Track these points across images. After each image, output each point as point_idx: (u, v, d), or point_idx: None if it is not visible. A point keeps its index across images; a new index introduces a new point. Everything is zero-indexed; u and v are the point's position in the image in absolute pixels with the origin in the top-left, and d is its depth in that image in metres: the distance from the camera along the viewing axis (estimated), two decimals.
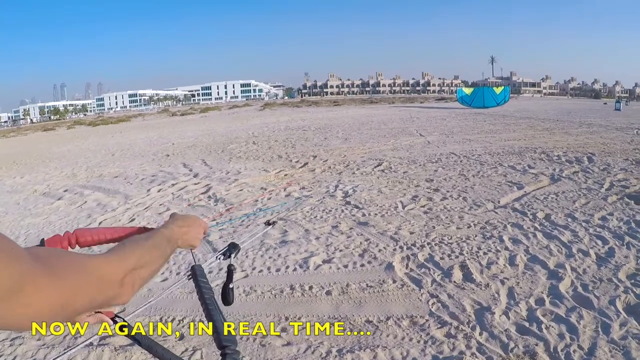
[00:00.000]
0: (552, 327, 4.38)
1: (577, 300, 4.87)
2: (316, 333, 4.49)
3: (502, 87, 54.86)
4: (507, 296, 5.06)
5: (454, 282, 5.45)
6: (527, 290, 5.17)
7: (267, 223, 2.59)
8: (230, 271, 1.64)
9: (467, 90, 55.13)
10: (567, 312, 4.63)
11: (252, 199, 9.87)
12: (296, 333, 4.52)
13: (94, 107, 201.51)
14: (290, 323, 4.71)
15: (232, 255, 1.71)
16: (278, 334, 4.52)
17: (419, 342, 4.25)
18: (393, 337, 4.34)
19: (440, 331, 4.41)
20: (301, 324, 4.68)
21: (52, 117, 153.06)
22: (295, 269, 6.08)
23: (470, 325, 4.47)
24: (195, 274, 1.49)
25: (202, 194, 10.75)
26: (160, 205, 9.94)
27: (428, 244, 6.71)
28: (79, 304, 0.87)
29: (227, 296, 1.57)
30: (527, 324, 4.45)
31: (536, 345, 4.09)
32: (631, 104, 61.23)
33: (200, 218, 1.49)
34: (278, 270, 6.08)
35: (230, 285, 1.57)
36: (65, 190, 12.23)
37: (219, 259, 1.70)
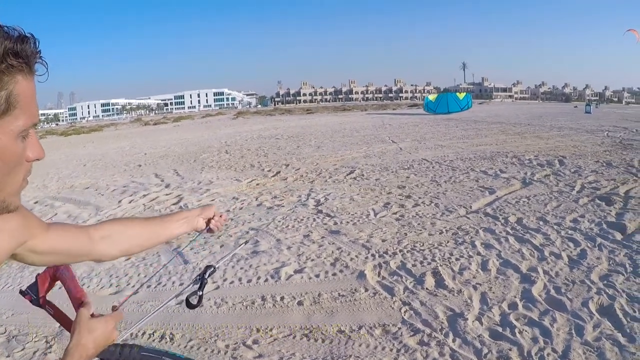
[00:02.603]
0: (526, 331, 4.36)
1: (550, 303, 4.86)
2: (288, 344, 4.42)
3: (465, 93, 56.02)
4: (480, 301, 5.03)
5: (427, 289, 5.41)
6: (500, 295, 5.15)
7: (245, 242, 2.53)
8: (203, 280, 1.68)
9: (432, 97, 55.75)
10: (540, 316, 4.62)
11: (224, 209, 9.76)
12: (268, 345, 4.44)
13: (66, 116, 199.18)
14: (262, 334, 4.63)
15: (207, 276, 1.70)
16: (249, 345, 4.44)
17: (391, 350, 4.19)
18: (365, 347, 4.28)
19: (413, 339, 4.35)
20: (273, 335, 4.61)
21: None
22: (266, 280, 5.99)
23: (443, 332, 4.43)
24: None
25: (173, 204, 10.61)
26: (132, 216, 9.76)
27: (400, 251, 6.66)
28: None
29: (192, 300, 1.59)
30: (500, 329, 4.42)
31: (510, 350, 4.06)
32: (601, 107, 62.02)
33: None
34: (249, 281, 5.98)
35: (200, 293, 1.61)
36: (35, 202, 11.97)
37: (198, 283, 1.68)
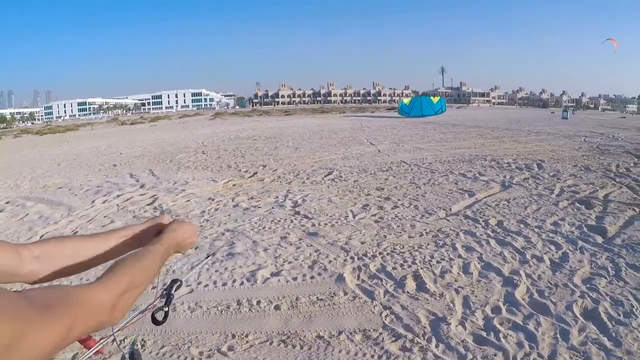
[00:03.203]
0: (510, 335, 4.26)
1: (534, 307, 4.79)
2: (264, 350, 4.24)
3: (439, 97, 57.38)
4: (463, 305, 4.91)
5: (408, 292, 5.27)
6: (483, 298, 5.04)
7: (209, 255, 2.40)
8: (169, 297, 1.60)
9: (407, 101, 56.34)
10: (524, 320, 4.53)
11: (199, 210, 9.56)
12: (244, 351, 4.25)
13: (42, 115, 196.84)
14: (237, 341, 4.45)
15: (173, 290, 1.62)
16: (225, 352, 4.25)
17: (372, 357, 4.03)
18: (346, 353, 4.11)
19: (395, 345, 4.20)
20: (249, 341, 4.42)
21: None
22: (242, 283, 5.79)
23: (426, 337, 4.29)
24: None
25: (147, 205, 10.37)
26: (105, 217, 9.52)
27: (380, 253, 6.52)
28: (73, 336, 0.91)
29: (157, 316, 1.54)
30: (484, 334, 4.31)
31: (495, 355, 3.96)
32: (577, 113, 63.08)
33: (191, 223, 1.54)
34: (224, 284, 5.78)
35: (165, 309, 1.55)
36: (7, 202, 11.67)
37: (164, 298, 1.60)
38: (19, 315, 0.78)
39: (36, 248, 1.34)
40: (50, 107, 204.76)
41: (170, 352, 4.31)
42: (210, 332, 4.64)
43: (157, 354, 4.30)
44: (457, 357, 3.96)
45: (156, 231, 1.58)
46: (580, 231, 7.14)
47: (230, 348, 4.32)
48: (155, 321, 1.51)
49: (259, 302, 5.22)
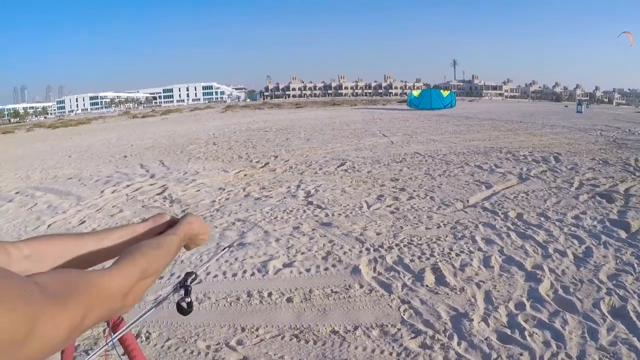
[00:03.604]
0: (536, 334, 4.02)
1: (560, 304, 4.55)
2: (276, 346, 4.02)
3: (449, 91, 56.81)
4: (485, 301, 4.68)
5: (427, 286, 5.04)
6: (505, 293, 4.81)
7: (225, 247, 2.21)
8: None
9: (416, 93, 55.98)
10: (550, 317, 4.29)
11: (209, 199, 9.37)
12: (254, 346, 4.03)
13: (54, 109, 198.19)
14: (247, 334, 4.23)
15: (189, 283, 1.51)
16: (233, 347, 4.03)
17: (391, 354, 3.80)
18: (362, 349, 3.89)
19: (415, 341, 3.97)
20: (259, 335, 4.20)
21: (11, 120, 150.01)
22: (253, 274, 5.59)
23: (447, 334, 4.05)
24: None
25: (157, 194, 10.22)
26: (113, 206, 9.38)
27: (396, 245, 6.31)
28: (87, 324, 0.84)
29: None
30: (508, 331, 4.07)
31: (521, 355, 3.72)
32: (592, 107, 62.21)
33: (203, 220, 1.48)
34: (234, 275, 5.58)
35: (188, 299, 1.45)
36: (16, 193, 11.61)
37: (177, 291, 1.50)
38: (32, 302, 0.70)
39: (27, 246, 1.24)
40: (63, 102, 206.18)
41: (175, 345, 4.10)
42: (218, 325, 4.44)
43: (162, 346, 4.10)
44: (480, 356, 3.73)
45: (158, 231, 1.49)
46: (602, 225, 6.87)
47: (240, 342, 4.12)
48: (181, 310, 1.44)
49: (270, 294, 5.02)
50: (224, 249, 2.07)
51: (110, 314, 0.95)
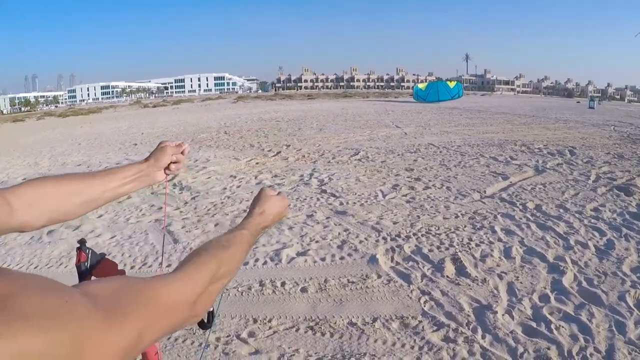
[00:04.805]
0: (563, 327, 3.88)
1: (585, 296, 4.42)
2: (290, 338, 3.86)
3: (456, 82, 55.83)
4: (508, 292, 4.53)
5: (447, 277, 4.89)
6: (529, 285, 4.67)
7: None
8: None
9: (422, 86, 55.21)
10: (575, 310, 4.16)
11: (220, 186, 9.25)
12: (266, 338, 3.87)
13: (65, 98, 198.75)
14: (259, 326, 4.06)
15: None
16: (244, 339, 3.86)
17: (412, 348, 3.65)
18: (382, 343, 3.73)
19: (437, 335, 3.81)
20: (272, 327, 4.04)
21: (22, 108, 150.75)
22: (265, 262, 5.46)
23: (471, 327, 3.90)
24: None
25: (166, 181, 10.08)
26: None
27: (414, 234, 6.17)
28: (147, 341, 0.73)
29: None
30: (534, 324, 3.93)
31: (548, 349, 3.57)
32: (604, 103, 61.67)
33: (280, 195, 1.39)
34: (245, 263, 5.40)
35: (210, 308, 1.33)
36: (23, 179, 11.51)
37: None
38: (76, 318, 0.61)
39: (29, 191, 1.20)
40: (74, 91, 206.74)
41: (183, 337, 3.94)
42: (229, 316, 4.29)
43: (168, 339, 3.92)
44: (506, 350, 3.57)
45: (162, 163, 1.50)
46: (622, 218, 6.74)
47: (251, 334, 3.97)
48: (202, 324, 1.36)
49: (283, 284, 4.87)
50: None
51: (181, 324, 0.86)
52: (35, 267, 5.69)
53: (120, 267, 1.59)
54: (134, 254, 5.96)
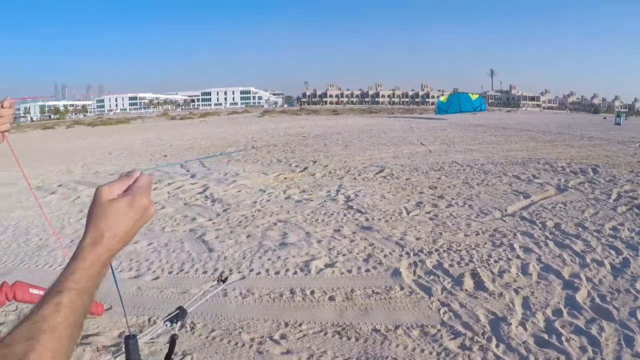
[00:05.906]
0: (573, 339, 4.10)
1: (596, 312, 4.62)
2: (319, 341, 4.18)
3: (478, 95, 54.95)
4: (523, 306, 4.78)
5: (466, 290, 5.16)
6: (543, 300, 4.90)
7: (220, 280, 2.29)
8: (172, 342, 1.51)
9: (443, 98, 54.96)
10: (586, 324, 4.37)
11: (251, 200, 9.58)
12: (297, 340, 4.20)
13: (94, 108, 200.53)
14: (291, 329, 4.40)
15: (179, 323, 1.59)
16: (277, 340, 4.20)
17: (431, 353, 3.94)
18: (403, 348, 4.03)
19: (454, 342, 4.10)
20: (302, 330, 4.37)
21: (52, 116, 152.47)
22: (295, 272, 5.78)
23: (486, 337, 4.17)
24: (128, 348, 1.38)
25: (198, 193, 10.46)
26: (155, 203, 9.60)
27: (436, 250, 6.43)
28: None
29: None
30: (545, 336, 4.17)
31: (557, 358, 3.82)
32: (630, 119, 60.82)
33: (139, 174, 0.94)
34: (277, 272, 5.77)
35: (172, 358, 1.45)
36: (59, 185, 12.00)
37: (166, 325, 1.60)
38: None
39: None
40: (102, 101, 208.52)
41: (220, 336, 4.29)
42: (262, 319, 4.61)
43: (206, 337, 4.29)
44: (518, 358, 3.84)
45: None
46: None
47: (283, 336, 4.28)
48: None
49: (312, 292, 5.18)
50: (220, 283, 2.15)
51: None
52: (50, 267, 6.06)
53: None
54: (171, 260, 6.32)
